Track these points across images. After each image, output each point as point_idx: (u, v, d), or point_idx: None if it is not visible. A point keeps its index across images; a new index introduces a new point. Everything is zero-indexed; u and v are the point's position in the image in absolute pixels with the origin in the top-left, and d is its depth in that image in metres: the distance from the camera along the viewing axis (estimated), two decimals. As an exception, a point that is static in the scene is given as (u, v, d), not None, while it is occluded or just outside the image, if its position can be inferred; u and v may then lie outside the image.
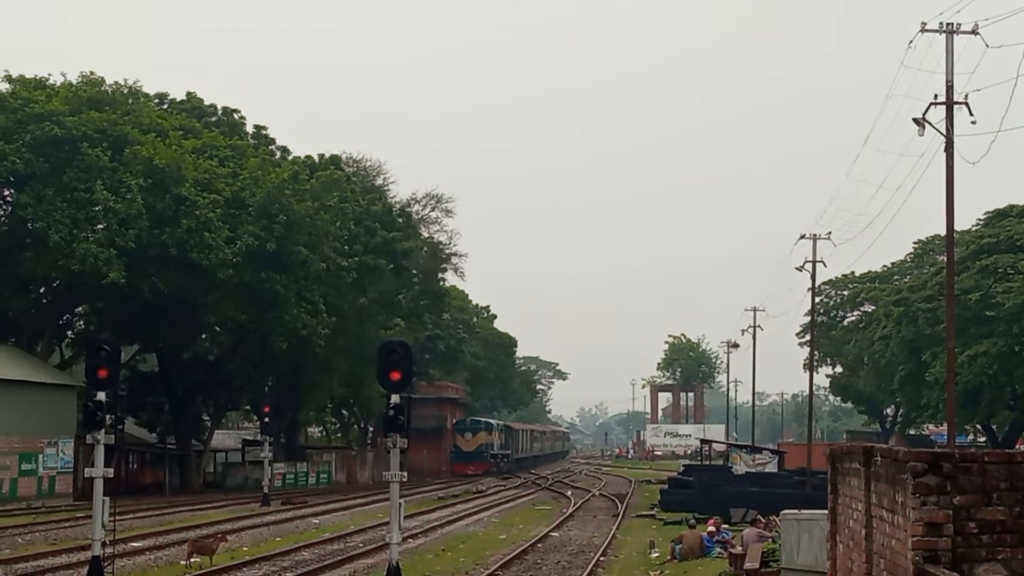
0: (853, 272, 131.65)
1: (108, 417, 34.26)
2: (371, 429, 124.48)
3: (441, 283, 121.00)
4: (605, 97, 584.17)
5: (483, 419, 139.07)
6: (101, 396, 33.65)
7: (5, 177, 73.73)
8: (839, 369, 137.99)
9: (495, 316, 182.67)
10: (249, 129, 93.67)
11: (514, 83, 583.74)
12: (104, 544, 33.61)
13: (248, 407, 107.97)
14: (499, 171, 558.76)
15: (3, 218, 78.14)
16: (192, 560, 38.69)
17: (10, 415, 62.16)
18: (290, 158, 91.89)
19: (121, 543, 40.07)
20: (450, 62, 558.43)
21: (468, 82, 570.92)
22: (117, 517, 36.44)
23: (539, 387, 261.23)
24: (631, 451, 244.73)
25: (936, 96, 46.32)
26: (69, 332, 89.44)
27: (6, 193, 76.53)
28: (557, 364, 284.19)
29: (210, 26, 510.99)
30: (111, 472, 34.50)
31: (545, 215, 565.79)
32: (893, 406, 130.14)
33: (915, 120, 46.25)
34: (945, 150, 45.92)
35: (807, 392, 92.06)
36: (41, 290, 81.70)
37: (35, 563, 38.09)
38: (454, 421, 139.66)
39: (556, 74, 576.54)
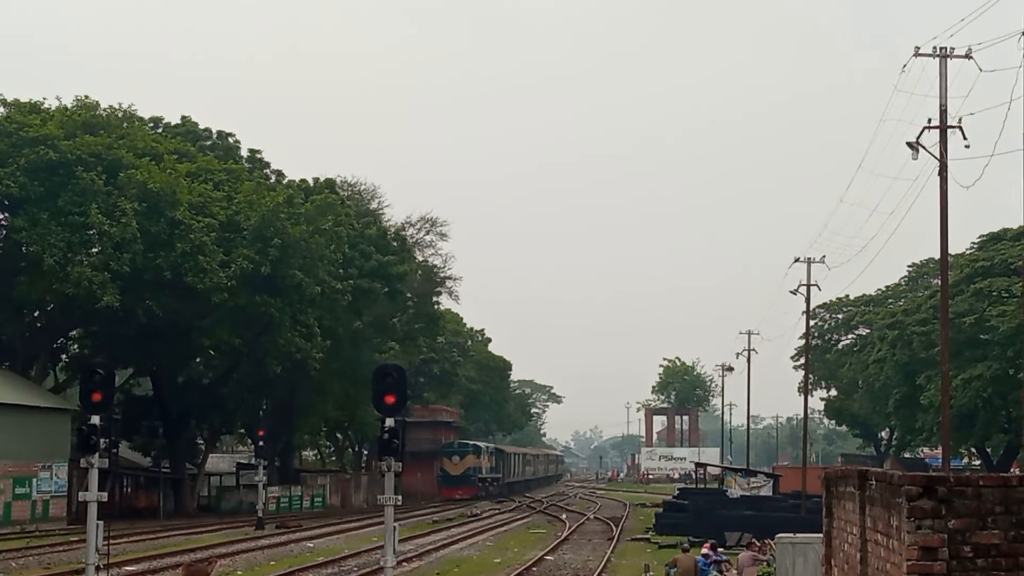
0: (847, 295, 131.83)
1: (102, 441, 34.23)
2: (365, 452, 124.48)
3: (435, 306, 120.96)
4: (604, 124, 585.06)
5: (471, 442, 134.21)
6: (95, 420, 33.61)
7: (0, 201, 73.67)
8: (834, 392, 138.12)
9: (490, 339, 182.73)
10: (244, 153, 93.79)
11: (514, 109, 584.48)
12: (98, 568, 33.57)
13: (243, 430, 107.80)
14: (493, 195, 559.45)
15: (-3, 242, 78.12)
16: None
17: (4, 438, 62.08)
18: (285, 182, 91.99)
19: (115, 567, 39.99)
20: (449, 88, 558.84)
21: (467, 109, 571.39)
22: (111, 541, 36.35)
23: (534, 410, 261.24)
24: (622, 474, 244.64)
25: (930, 120, 46.38)
26: (63, 355, 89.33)
27: (1, 217, 76.48)
28: (552, 387, 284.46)
29: (206, 51, 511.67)
30: (105, 496, 34.49)
31: (541, 239, 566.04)
32: (888, 429, 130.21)
33: (909, 144, 46.31)
34: (939, 174, 45.99)
35: (802, 415, 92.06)
36: (35, 314, 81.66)
37: (29, 587, 38.03)
38: (442, 444, 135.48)
39: (557, 102, 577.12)
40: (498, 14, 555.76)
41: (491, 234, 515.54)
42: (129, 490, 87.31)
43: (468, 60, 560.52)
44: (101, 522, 33.25)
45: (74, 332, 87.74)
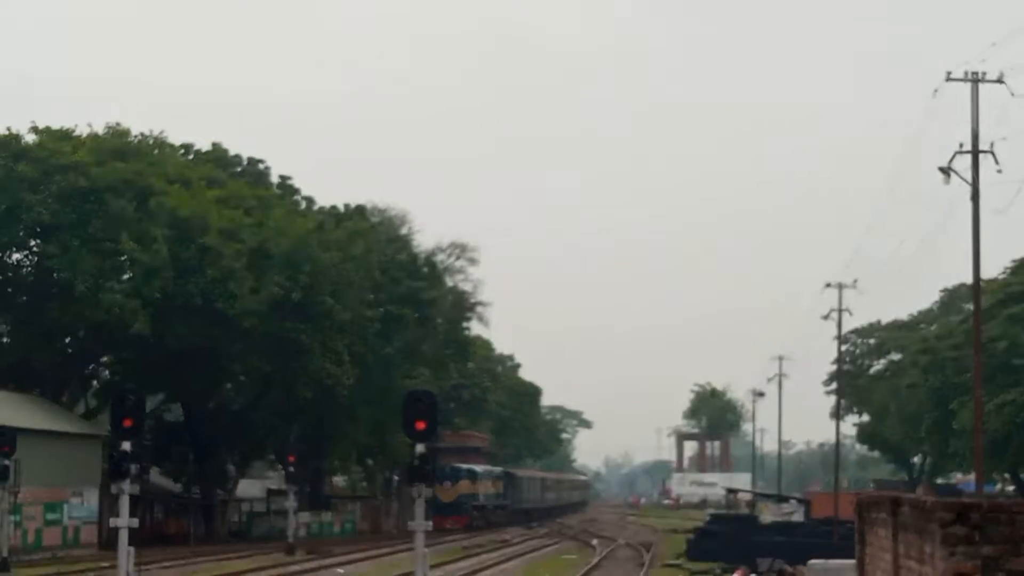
0: (879, 320, 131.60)
1: (133, 467, 34.37)
2: (396, 478, 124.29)
3: (466, 332, 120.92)
4: (636, 146, 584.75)
5: (467, 466, 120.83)
6: (126, 446, 33.76)
7: (31, 228, 73.99)
8: (866, 418, 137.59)
9: (519, 365, 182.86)
10: (274, 179, 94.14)
11: (537, 138, 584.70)
12: (128, 594, 33.60)
13: (273, 456, 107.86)
14: (526, 219, 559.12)
15: (29, 268, 78.38)
16: None
17: (35, 465, 62.12)
18: (315, 208, 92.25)
19: (145, 593, 40.00)
20: (479, 115, 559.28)
21: (491, 138, 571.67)
22: (142, 567, 36.44)
23: (564, 436, 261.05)
24: (644, 499, 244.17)
25: (961, 144, 46.29)
26: (94, 382, 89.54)
27: (32, 244, 76.76)
28: (582, 413, 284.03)
29: (235, 81, 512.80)
30: (136, 522, 34.57)
31: (573, 264, 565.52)
32: (920, 455, 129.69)
33: (941, 169, 46.25)
34: (971, 198, 45.89)
35: (833, 441, 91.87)
36: (66, 340, 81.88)
37: (59, 614, 38.06)
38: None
39: (592, 124, 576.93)
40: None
41: (522, 259, 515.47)
42: (160, 516, 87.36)
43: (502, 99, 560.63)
44: (132, 548, 33.36)
45: (105, 358, 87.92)
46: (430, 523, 34.13)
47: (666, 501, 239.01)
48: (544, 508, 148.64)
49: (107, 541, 68.72)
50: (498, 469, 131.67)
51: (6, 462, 56.63)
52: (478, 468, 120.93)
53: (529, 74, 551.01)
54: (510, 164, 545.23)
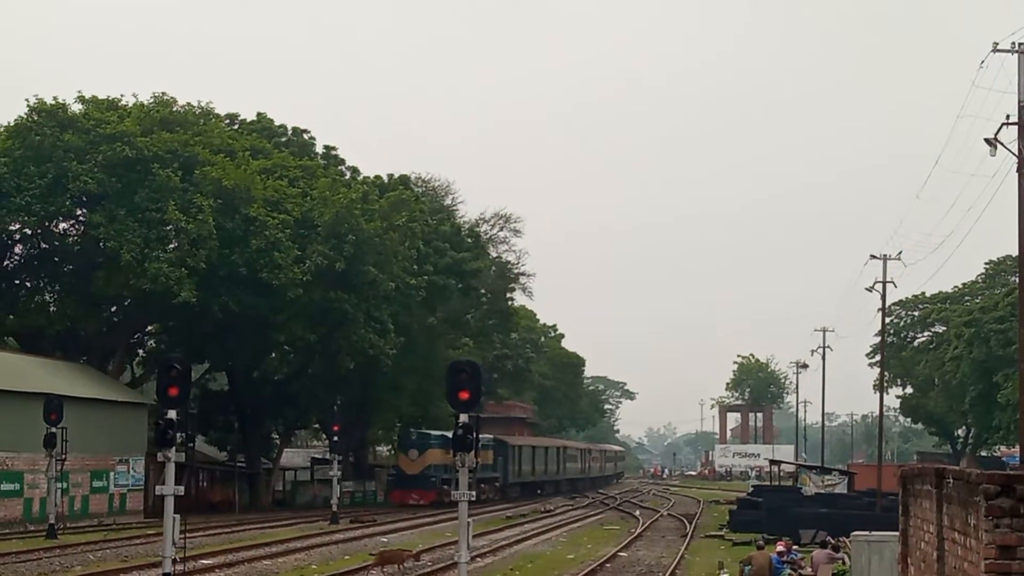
0: (924, 293, 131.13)
1: (179, 435, 34.55)
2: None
3: (509, 303, 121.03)
4: (679, 117, 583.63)
5: (437, 432, 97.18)
6: (172, 414, 33.91)
7: (77, 197, 74.32)
8: (909, 390, 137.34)
9: (563, 335, 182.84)
10: (319, 149, 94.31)
11: (585, 102, 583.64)
12: (175, 561, 33.85)
13: (317, 425, 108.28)
14: (570, 191, 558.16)
15: (76, 238, 78.79)
16: (385, 568, 40.87)
17: (82, 433, 62.54)
18: (359, 178, 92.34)
19: (191, 560, 40.23)
20: (515, 87, 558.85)
21: (549, 111, 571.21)
22: (187, 534, 36.62)
23: (607, 407, 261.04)
24: (666, 471, 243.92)
25: (1008, 116, 46.00)
26: (140, 351, 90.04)
27: (79, 213, 77.15)
28: (625, 384, 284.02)
29: (282, 55, 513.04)
30: (181, 490, 34.73)
31: (617, 237, 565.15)
32: (964, 427, 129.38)
33: (987, 140, 45.96)
34: (1017, 170, 45.61)
35: (877, 413, 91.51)
36: (113, 309, 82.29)
37: (106, 580, 38.32)
38: (396, 436, 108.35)
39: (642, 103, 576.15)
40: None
41: (566, 231, 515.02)
42: (205, 484, 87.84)
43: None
44: (178, 516, 33.52)
45: (151, 327, 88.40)
46: (473, 492, 34.23)
47: (690, 472, 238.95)
48: (553, 481, 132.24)
49: (153, 509, 69.24)
50: (487, 436, 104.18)
51: (53, 430, 57.12)
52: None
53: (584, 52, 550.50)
54: (561, 138, 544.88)
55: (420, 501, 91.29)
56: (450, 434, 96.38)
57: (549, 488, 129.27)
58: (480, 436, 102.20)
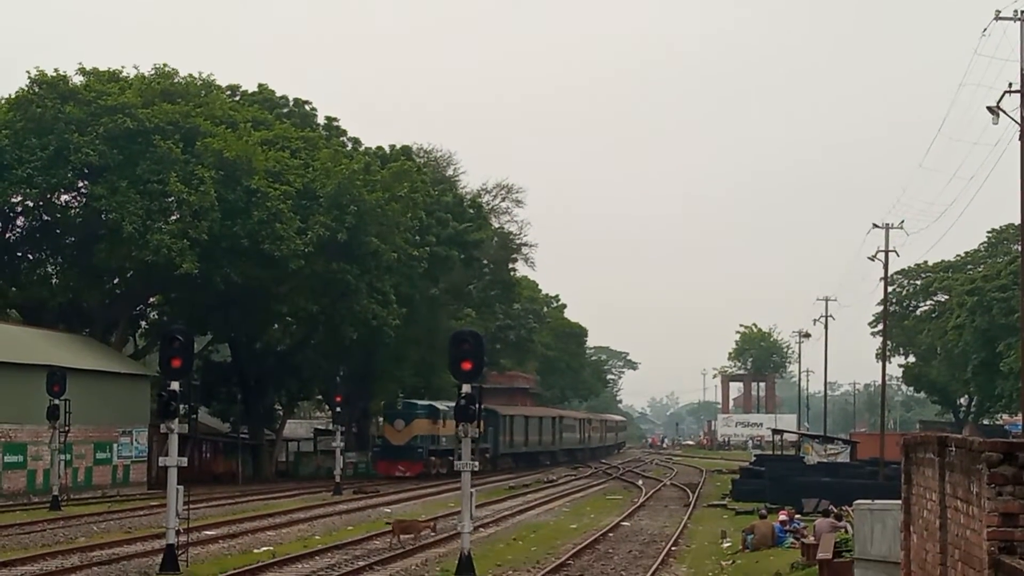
0: (926, 261, 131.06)
1: (181, 406, 34.63)
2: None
3: (511, 273, 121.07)
4: (682, 88, 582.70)
5: (426, 402, 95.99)
6: (175, 386, 34.01)
7: (79, 169, 74.31)
8: (912, 359, 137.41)
9: (565, 306, 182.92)
10: (320, 121, 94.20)
11: (593, 70, 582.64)
12: (178, 532, 33.97)
13: (320, 397, 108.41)
14: (572, 161, 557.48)
15: (78, 210, 78.80)
16: (402, 538, 41.15)
17: (85, 404, 62.65)
18: (361, 149, 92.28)
19: (195, 531, 40.33)
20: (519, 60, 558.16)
21: (551, 78, 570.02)
22: (191, 506, 36.70)
23: (609, 377, 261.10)
24: (666, 440, 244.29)
25: (1011, 84, 45.92)
26: (143, 322, 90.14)
27: (80, 185, 77.14)
28: (627, 354, 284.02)
29: (283, 27, 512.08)
30: (184, 461, 34.87)
31: (618, 205, 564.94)
32: (966, 396, 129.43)
33: (989, 108, 45.87)
34: (1020, 138, 45.54)
35: (879, 382, 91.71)
36: (115, 281, 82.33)
37: (110, 551, 38.40)
38: (383, 404, 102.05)
39: (630, 69, 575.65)
40: None
41: (568, 201, 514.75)
42: (208, 455, 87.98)
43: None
44: (181, 487, 33.63)
45: (153, 299, 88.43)
46: (476, 463, 34.30)
47: (687, 442, 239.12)
48: (548, 452, 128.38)
49: (156, 480, 69.39)
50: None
51: (56, 402, 57.22)
52: (441, 405, 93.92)
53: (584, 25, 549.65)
54: (562, 107, 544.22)
55: (406, 473, 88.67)
56: (437, 404, 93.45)
57: (545, 459, 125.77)
58: (443, 406, 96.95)
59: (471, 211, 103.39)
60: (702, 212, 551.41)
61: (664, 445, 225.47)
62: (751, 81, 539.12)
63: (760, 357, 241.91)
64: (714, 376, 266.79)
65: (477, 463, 34.49)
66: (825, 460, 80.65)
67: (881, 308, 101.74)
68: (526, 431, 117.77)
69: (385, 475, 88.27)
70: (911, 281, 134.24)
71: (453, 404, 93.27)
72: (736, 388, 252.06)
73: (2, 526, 46.08)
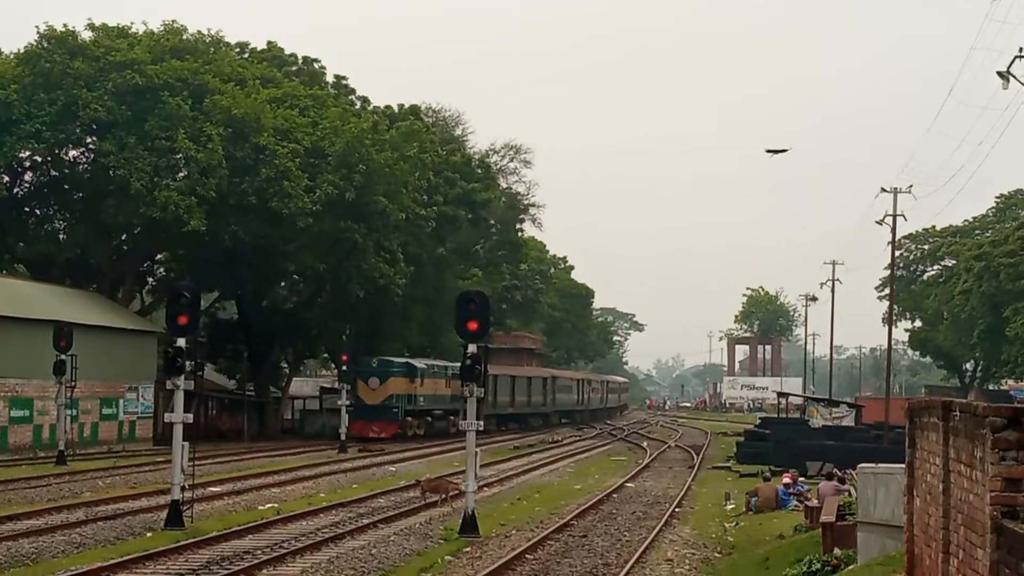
0: (934, 226, 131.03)
1: (188, 363, 34.73)
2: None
3: (519, 234, 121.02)
4: (699, 57, 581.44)
5: (403, 359, 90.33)
6: (181, 342, 34.10)
7: (87, 125, 74.29)
8: (918, 323, 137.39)
9: (572, 267, 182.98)
10: (329, 79, 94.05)
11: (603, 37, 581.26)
12: (183, 488, 34.07)
13: (326, 355, 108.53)
14: (577, 120, 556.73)
15: (86, 165, 78.79)
16: (431, 498, 41.14)
17: (92, 360, 62.79)
18: (370, 108, 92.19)
19: (200, 487, 40.48)
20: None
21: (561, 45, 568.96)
22: (196, 462, 36.82)
23: (616, 338, 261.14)
24: (668, 402, 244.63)
25: (1021, 49, 45.83)
26: (150, 279, 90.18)
27: (89, 141, 77.09)
28: (634, 315, 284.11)
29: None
30: (190, 417, 34.96)
31: (627, 165, 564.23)
32: (972, 361, 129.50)
33: (999, 73, 45.79)
34: (1029, 103, 45.41)
35: (885, 346, 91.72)
36: (122, 237, 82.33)
37: (115, 506, 38.54)
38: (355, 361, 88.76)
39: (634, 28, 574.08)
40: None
41: (577, 160, 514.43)
42: (214, 412, 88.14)
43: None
44: (187, 443, 33.75)
45: (160, 255, 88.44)
46: (481, 423, 34.39)
47: (685, 403, 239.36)
48: (539, 414, 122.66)
49: (161, 436, 69.66)
50: (458, 365, 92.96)
51: (63, 357, 57.33)
52: (420, 363, 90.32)
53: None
54: (567, 64, 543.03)
55: (381, 434, 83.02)
56: (415, 361, 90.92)
57: (536, 421, 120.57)
58: (448, 365, 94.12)
59: (479, 171, 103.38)
60: (710, 174, 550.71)
61: (667, 407, 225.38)
62: (763, 42, 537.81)
63: (766, 320, 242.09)
64: (720, 339, 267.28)
65: (481, 423, 34.60)
66: (830, 423, 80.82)
67: (888, 272, 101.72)
68: (512, 391, 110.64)
69: (359, 436, 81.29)
70: (919, 246, 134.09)
71: (431, 362, 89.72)
72: (742, 351, 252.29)
73: (8, 480, 46.24)
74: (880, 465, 26.81)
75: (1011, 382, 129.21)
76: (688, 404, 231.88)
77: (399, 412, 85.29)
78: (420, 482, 43.58)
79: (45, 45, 74.21)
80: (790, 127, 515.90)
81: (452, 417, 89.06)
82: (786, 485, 43.77)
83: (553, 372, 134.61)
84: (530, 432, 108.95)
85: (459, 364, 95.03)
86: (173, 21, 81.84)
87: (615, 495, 48.21)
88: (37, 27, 75.37)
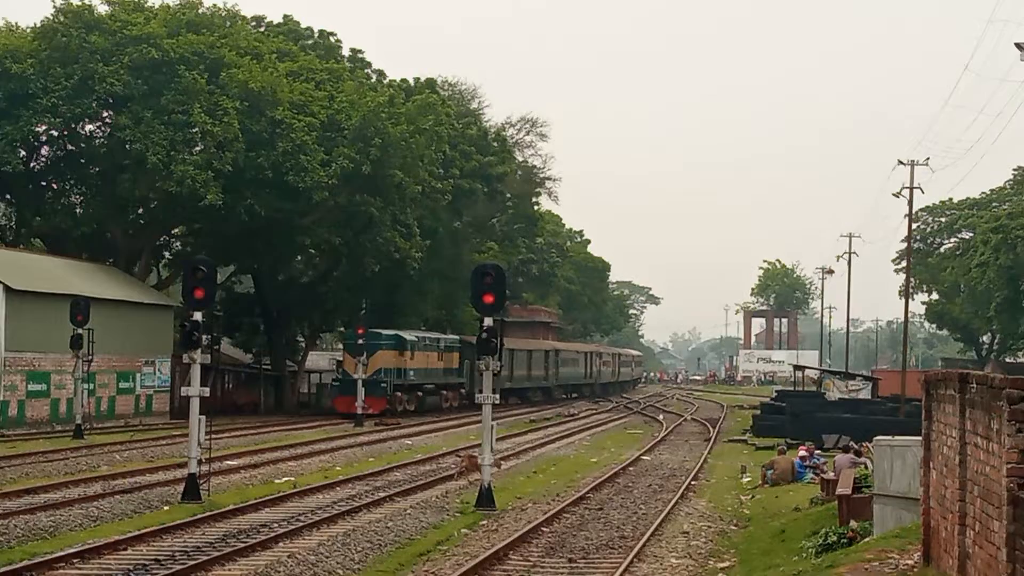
0: (951, 199, 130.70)
1: (204, 337, 34.79)
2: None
3: (535, 207, 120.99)
4: (717, 40, 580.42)
5: (392, 331, 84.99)
6: (197, 316, 34.14)
7: (104, 99, 74.34)
8: (935, 296, 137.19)
9: (588, 240, 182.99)
10: (345, 52, 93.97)
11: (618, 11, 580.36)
12: (200, 462, 34.18)
13: (343, 329, 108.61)
14: (595, 95, 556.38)
15: (102, 140, 78.80)
16: (464, 471, 41.08)
17: (109, 334, 62.90)
18: (386, 81, 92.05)
19: (217, 461, 40.56)
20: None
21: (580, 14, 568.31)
22: (213, 436, 36.89)
23: (632, 312, 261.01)
24: (682, 375, 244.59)
25: (1039, 20, 45.62)
26: (166, 253, 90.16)
27: (105, 115, 77.14)
28: (650, 289, 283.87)
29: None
30: (207, 391, 35.02)
31: (643, 144, 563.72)
32: (989, 333, 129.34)
33: (1017, 45, 45.63)
34: (1047, 75, 45.29)
35: (902, 319, 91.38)
36: (139, 211, 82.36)
37: (132, 479, 38.64)
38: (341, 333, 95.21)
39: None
40: None
41: (593, 135, 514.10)
42: (231, 386, 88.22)
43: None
44: (204, 417, 33.82)
45: (177, 229, 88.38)
46: (496, 396, 34.41)
47: (696, 376, 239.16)
48: (541, 388, 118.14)
49: (178, 410, 69.80)
50: (452, 337, 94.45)
51: (80, 331, 57.48)
52: (409, 335, 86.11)
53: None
54: (589, 40, 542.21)
55: (369, 410, 77.53)
56: (404, 333, 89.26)
57: (537, 396, 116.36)
58: (441, 337, 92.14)
59: (495, 144, 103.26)
60: (730, 148, 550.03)
61: (679, 381, 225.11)
62: (783, 24, 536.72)
63: (783, 293, 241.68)
64: (736, 312, 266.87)
65: (497, 396, 34.61)
66: (846, 396, 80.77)
67: (905, 245, 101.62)
68: (511, 365, 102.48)
69: (344, 412, 78.05)
70: (935, 218, 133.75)
71: (423, 334, 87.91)
72: (758, 324, 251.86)
73: (25, 454, 46.40)
74: (896, 438, 26.81)
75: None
76: (699, 377, 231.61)
77: (387, 387, 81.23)
78: (459, 456, 43.62)
79: (61, 19, 74.18)
80: (808, 100, 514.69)
81: (445, 392, 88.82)
82: (802, 458, 43.78)
83: (556, 344, 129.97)
84: (532, 407, 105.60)
85: (452, 336, 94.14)
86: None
87: (631, 468, 48.26)
88: (53, 1, 75.40)
